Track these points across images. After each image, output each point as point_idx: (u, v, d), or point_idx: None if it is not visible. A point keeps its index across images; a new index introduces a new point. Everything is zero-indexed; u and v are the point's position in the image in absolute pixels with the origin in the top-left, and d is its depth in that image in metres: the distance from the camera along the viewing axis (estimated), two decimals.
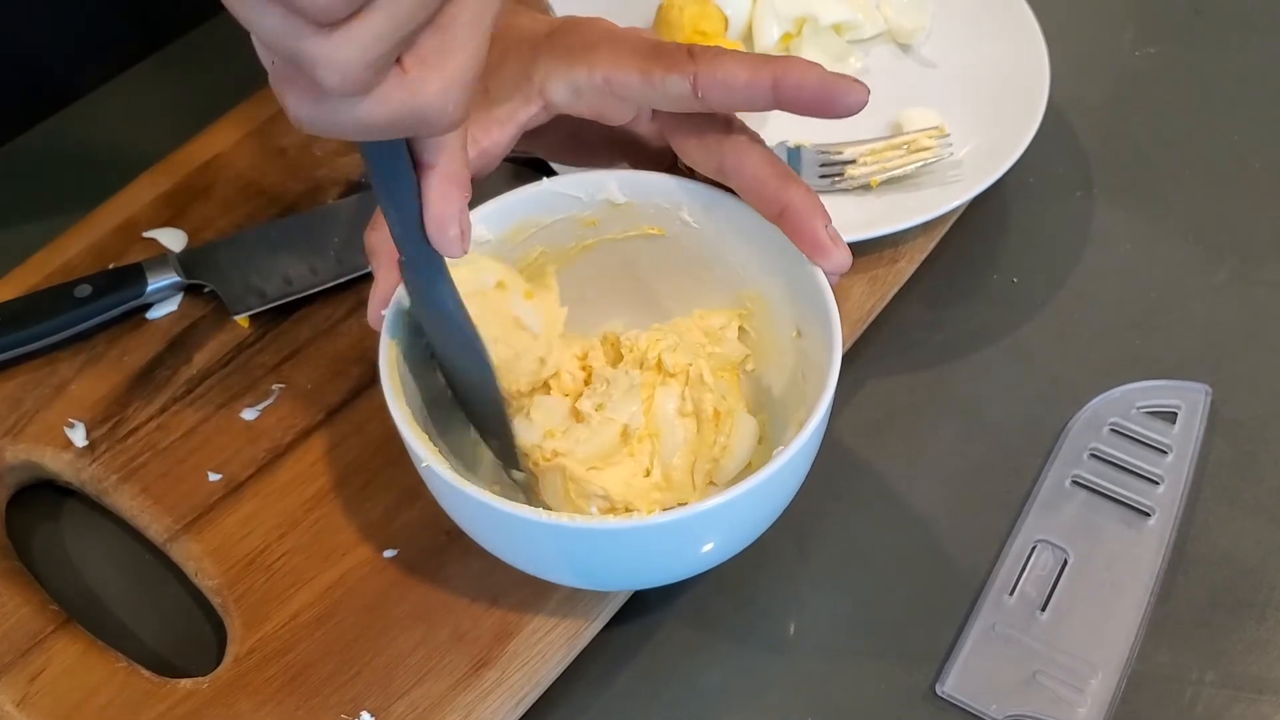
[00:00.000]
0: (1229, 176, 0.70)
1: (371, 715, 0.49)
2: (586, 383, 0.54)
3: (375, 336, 0.58)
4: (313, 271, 0.61)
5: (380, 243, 0.49)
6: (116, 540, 0.57)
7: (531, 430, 0.52)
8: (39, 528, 0.57)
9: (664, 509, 0.47)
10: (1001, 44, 0.69)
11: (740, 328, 0.56)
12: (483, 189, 0.54)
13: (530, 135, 0.52)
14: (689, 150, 0.52)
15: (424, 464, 0.46)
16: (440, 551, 0.53)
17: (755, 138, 0.51)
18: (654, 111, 0.51)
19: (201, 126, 0.68)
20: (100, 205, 0.64)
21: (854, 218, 0.63)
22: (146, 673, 0.51)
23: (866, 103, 0.49)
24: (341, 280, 0.61)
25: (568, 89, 0.50)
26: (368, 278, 0.61)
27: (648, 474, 0.51)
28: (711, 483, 0.53)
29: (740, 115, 0.52)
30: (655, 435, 0.52)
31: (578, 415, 0.53)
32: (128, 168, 0.66)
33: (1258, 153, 0.71)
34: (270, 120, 0.68)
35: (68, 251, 0.63)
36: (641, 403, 0.52)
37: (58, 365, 0.59)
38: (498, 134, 0.50)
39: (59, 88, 0.71)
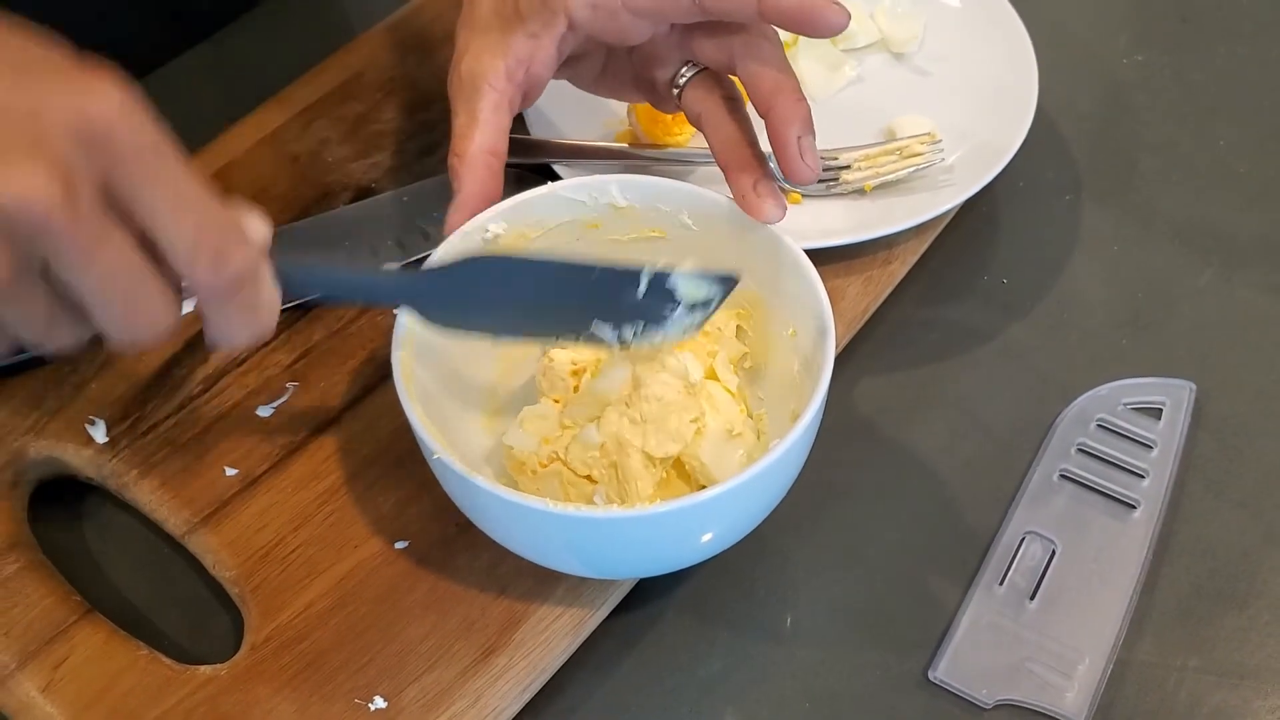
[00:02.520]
0: (1214, 181, 0.72)
1: (384, 700, 0.51)
2: (575, 389, 0.56)
3: (386, 338, 0.61)
4: None
5: (472, 151, 0.56)
6: (136, 534, 0.58)
7: (527, 438, 0.54)
8: (61, 522, 0.58)
9: None
10: (992, 52, 0.71)
11: (738, 326, 0.58)
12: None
13: (569, 65, 0.59)
14: (704, 48, 0.57)
15: (435, 455, 0.48)
16: (449, 543, 0.55)
17: (772, 38, 0.56)
18: (671, 26, 0.56)
19: (214, 135, 0.69)
20: None
21: (849, 221, 0.65)
22: (167, 660, 0.52)
23: (845, 25, 0.53)
24: None
25: (588, 5, 0.55)
26: None
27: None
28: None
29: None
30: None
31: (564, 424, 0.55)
32: None
33: (1242, 158, 0.72)
34: (282, 128, 0.70)
35: None
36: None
37: (78, 365, 0.61)
38: (539, 53, 0.56)
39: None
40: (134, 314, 0.41)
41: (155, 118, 0.40)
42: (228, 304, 0.43)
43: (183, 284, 0.42)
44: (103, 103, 0.38)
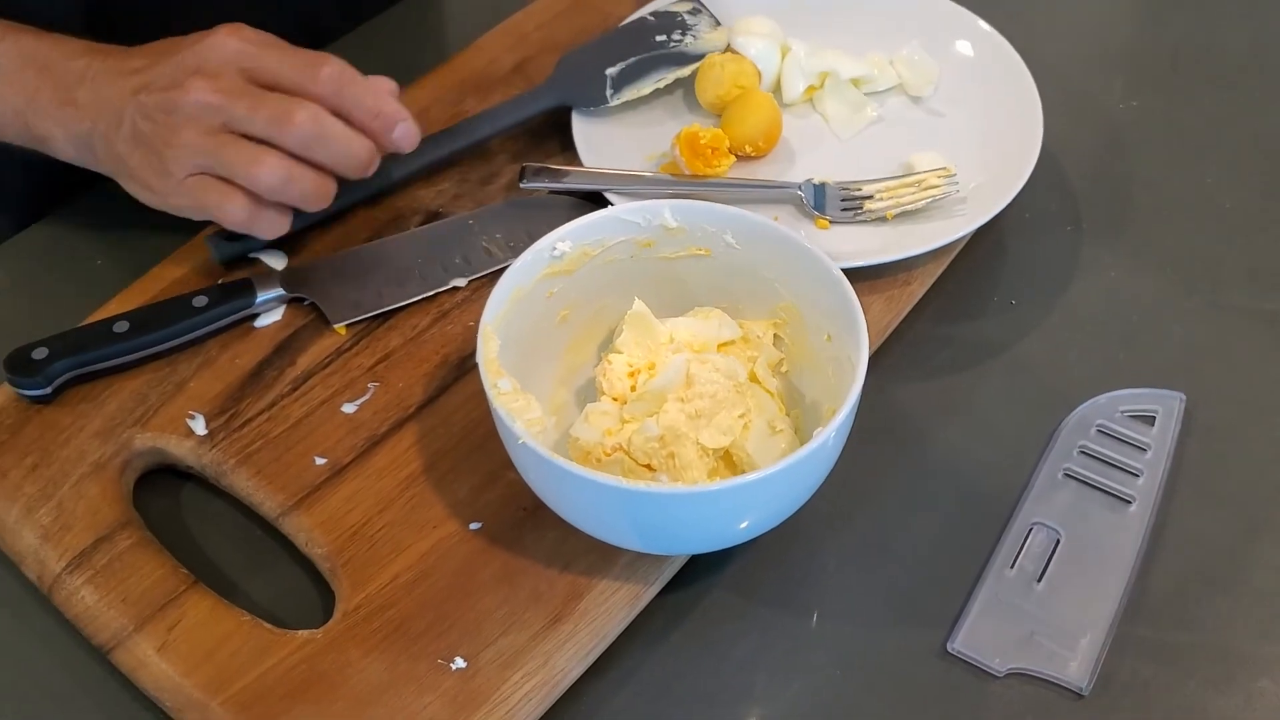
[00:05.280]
0: (1202, 213, 0.78)
1: (464, 661, 0.57)
2: (633, 389, 0.62)
3: (457, 344, 0.67)
4: (400, 287, 0.70)
5: None
6: (229, 519, 0.64)
7: (591, 431, 0.61)
8: (161, 509, 0.64)
9: None
10: (1001, 97, 0.77)
11: (775, 335, 0.64)
12: (556, 217, 0.63)
13: None
14: None
15: (520, 441, 0.54)
16: (519, 525, 0.61)
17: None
18: None
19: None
20: (208, 228, 0.72)
21: (872, 244, 0.71)
22: (267, 625, 0.58)
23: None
24: (426, 295, 0.70)
25: None
26: (448, 293, 0.70)
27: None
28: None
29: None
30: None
31: (625, 419, 0.61)
32: None
33: (1228, 193, 0.79)
34: None
35: (181, 268, 0.71)
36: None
37: (177, 366, 0.67)
38: None
39: None
40: (279, 118, 0.63)
41: (258, 31, 0.66)
42: (339, 97, 0.65)
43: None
44: (220, 35, 0.65)
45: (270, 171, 0.64)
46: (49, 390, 0.65)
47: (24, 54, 0.67)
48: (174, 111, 0.63)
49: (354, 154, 0.66)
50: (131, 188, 0.67)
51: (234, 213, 0.65)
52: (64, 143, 0.67)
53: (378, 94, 0.66)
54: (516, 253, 0.62)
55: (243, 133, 0.64)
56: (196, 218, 0.67)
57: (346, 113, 0.66)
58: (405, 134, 0.68)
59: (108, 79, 0.66)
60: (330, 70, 0.65)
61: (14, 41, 0.67)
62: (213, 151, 0.64)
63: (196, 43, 0.65)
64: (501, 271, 0.61)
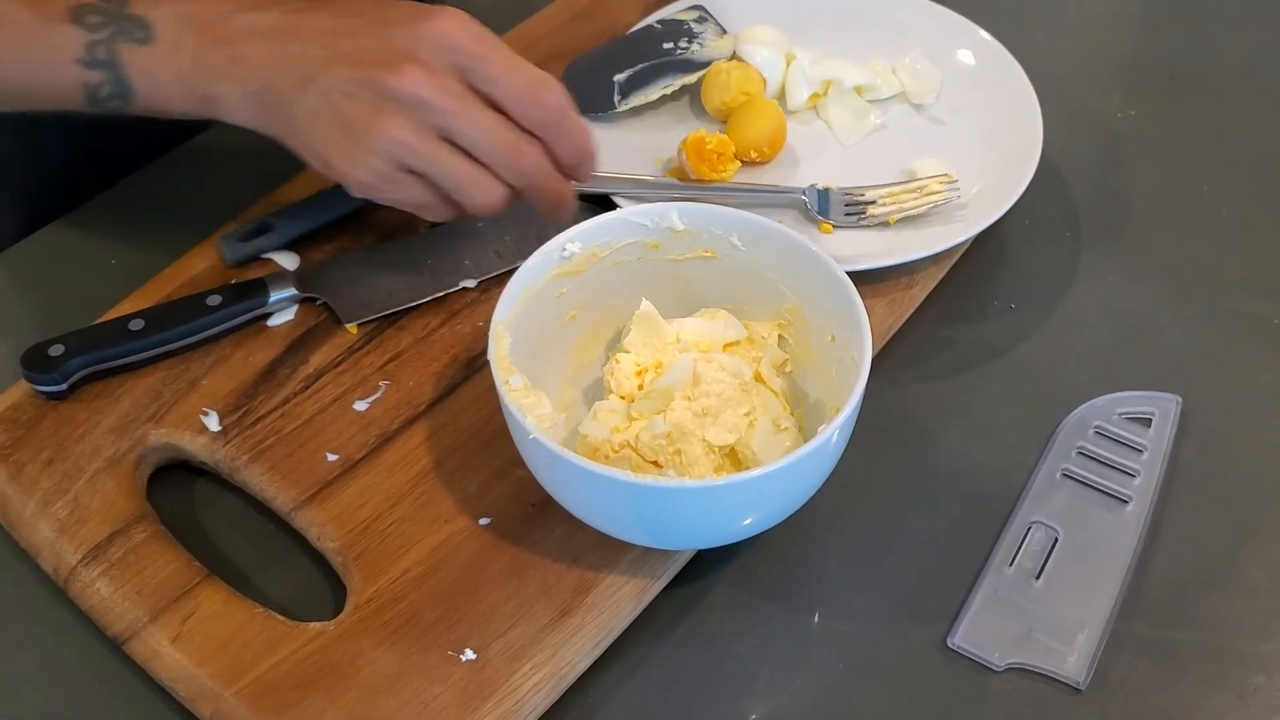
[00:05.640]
0: (1199, 221, 0.79)
1: (474, 652, 0.58)
2: (640, 388, 0.63)
3: (466, 344, 0.69)
4: (411, 288, 0.71)
5: None
6: (242, 514, 0.65)
7: (600, 428, 0.62)
8: (174, 504, 0.65)
9: None
10: (1002, 105, 0.79)
11: (780, 336, 0.65)
12: (567, 219, 0.65)
13: None
14: None
15: (531, 436, 0.55)
16: (527, 520, 0.62)
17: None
18: None
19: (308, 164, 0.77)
20: (220, 229, 0.74)
21: (874, 248, 0.73)
22: (280, 617, 0.59)
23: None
24: (435, 296, 0.71)
25: None
26: (457, 294, 0.71)
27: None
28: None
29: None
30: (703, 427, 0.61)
31: (632, 416, 0.62)
32: (242, 198, 0.76)
33: (1224, 201, 0.80)
34: None
35: (193, 269, 0.72)
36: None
37: (191, 364, 0.68)
38: None
39: (181, 126, 0.80)
40: (509, 154, 0.63)
41: (482, 28, 0.63)
42: (555, 130, 0.63)
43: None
44: (444, 24, 0.62)
45: (495, 203, 0.64)
46: (65, 386, 0.66)
47: (181, 16, 0.63)
48: (383, 95, 0.61)
49: (558, 198, 0.66)
50: (302, 153, 0.64)
51: (440, 215, 0.66)
52: (237, 102, 0.63)
53: (585, 132, 0.65)
54: (525, 255, 0.63)
55: (458, 143, 0.62)
56: (377, 201, 0.66)
57: (552, 142, 0.64)
58: (590, 174, 0.67)
59: (290, 36, 0.62)
60: (554, 100, 0.63)
61: (171, 7, 0.63)
62: (432, 159, 0.62)
63: (412, 22, 0.62)
64: (510, 273, 0.63)
